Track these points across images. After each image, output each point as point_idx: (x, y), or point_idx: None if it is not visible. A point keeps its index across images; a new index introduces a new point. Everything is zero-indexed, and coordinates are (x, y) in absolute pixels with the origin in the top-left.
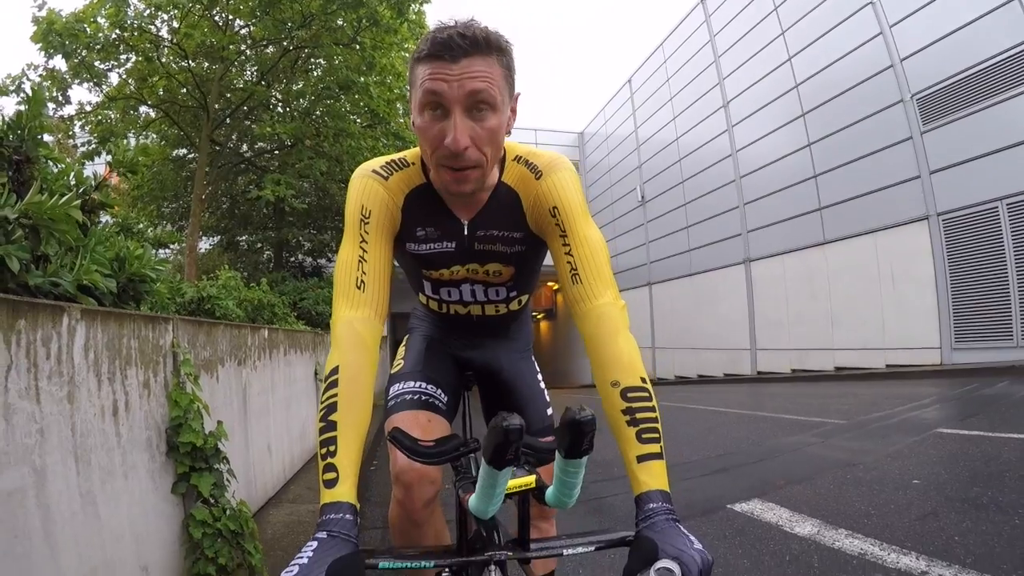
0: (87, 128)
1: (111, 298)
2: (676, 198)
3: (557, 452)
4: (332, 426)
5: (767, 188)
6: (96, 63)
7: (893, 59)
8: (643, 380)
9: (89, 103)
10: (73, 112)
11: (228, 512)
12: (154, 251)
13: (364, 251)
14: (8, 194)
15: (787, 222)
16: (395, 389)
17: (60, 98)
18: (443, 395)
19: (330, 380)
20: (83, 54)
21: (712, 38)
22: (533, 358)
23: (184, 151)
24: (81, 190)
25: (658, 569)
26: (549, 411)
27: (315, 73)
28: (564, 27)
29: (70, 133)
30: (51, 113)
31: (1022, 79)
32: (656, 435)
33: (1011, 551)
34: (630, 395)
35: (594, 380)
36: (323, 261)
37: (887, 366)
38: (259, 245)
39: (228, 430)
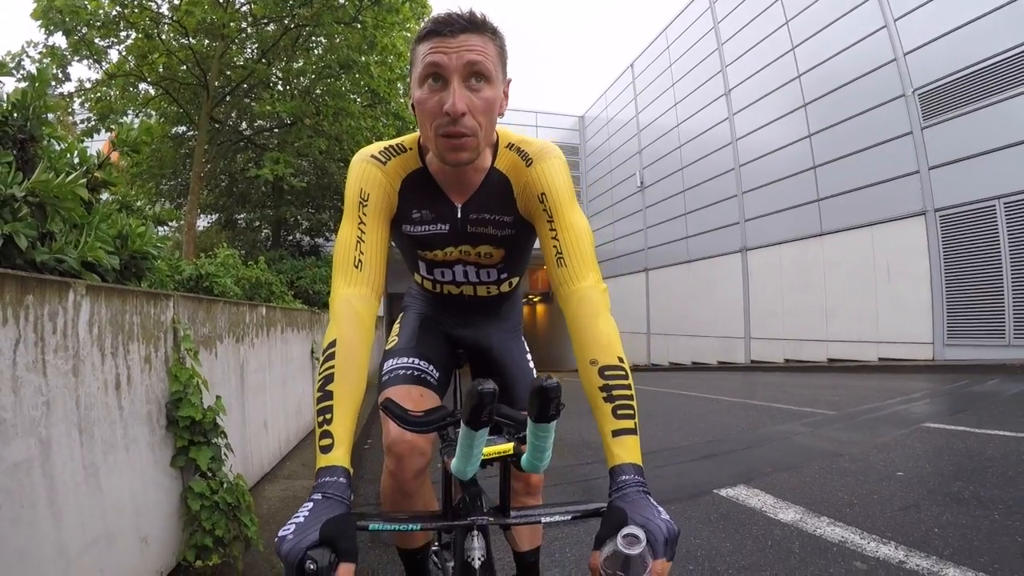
0: (87, 105)
1: (114, 275)
2: (675, 184)
3: (528, 418)
4: (328, 395)
5: (766, 177)
6: (96, 40)
7: (896, 53)
8: (620, 360)
9: (89, 80)
10: (73, 89)
11: (225, 485)
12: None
13: (362, 232)
14: (14, 172)
15: (785, 212)
16: (389, 364)
17: (60, 75)
18: (435, 371)
19: (328, 353)
20: (83, 31)
21: (716, 25)
22: (523, 337)
23: (183, 128)
24: (84, 168)
25: (625, 535)
26: None
27: (316, 52)
28: (566, 10)
29: (69, 110)
30: (52, 91)
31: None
32: (631, 411)
33: (989, 545)
34: (607, 373)
35: (575, 358)
36: (321, 240)
37: (880, 359)
38: (257, 223)
39: (226, 406)
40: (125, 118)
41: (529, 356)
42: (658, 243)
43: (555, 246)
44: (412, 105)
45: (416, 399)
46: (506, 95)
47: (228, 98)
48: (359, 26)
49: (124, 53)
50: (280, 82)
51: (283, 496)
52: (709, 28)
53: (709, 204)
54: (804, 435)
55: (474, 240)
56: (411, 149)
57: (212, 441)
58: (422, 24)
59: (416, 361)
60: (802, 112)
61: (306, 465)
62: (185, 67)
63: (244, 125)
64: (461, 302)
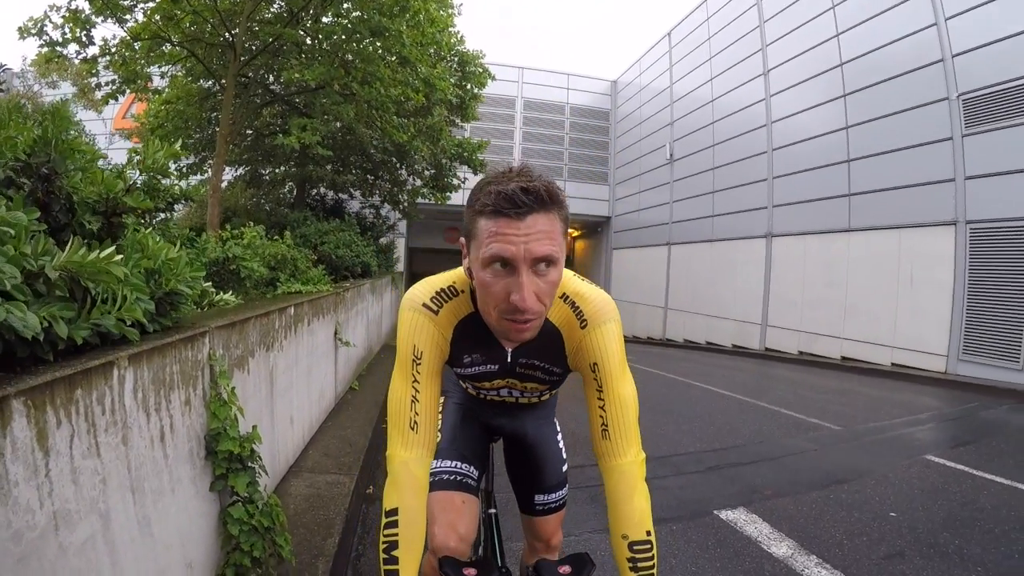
0: (111, 68)
1: (149, 315)
2: (705, 161)
3: None
4: (394, 560)
5: (798, 165)
6: None
7: (944, 54)
8: (648, 533)
9: (114, 36)
10: (96, 52)
11: (261, 507)
12: (182, 183)
13: (416, 391)
14: (44, 241)
15: (814, 203)
16: (435, 465)
17: (84, 38)
18: (474, 471)
19: (391, 520)
20: None
21: (758, 1)
22: (556, 420)
23: (210, 83)
24: (111, 195)
25: None
26: (564, 468)
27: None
28: None
29: (94, 71)
30: (74, 56)
31: None
32: None
33: None
34: (636, 547)
35: (609, 528)
36: (344, 196)
37: (892, 364)
38: (282, 178)
39: (256, 414)
40: (151, 78)
41: (560, 438)
42: (683, 218)
43: (601, 417)
44: (468, 270)
45: (459, 507)
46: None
47: (257, 57)
48: None
49: (148, 13)
50: (308, 38)
51: (308, 494)
52: (752, 3)
53: (738, 185)
54: (808, 455)
55: (522, 378)
56: (463, 292)
57: (248, 466)
58: (478, 192)
59: (458, 465)
60: (841, 102)
61: (327, 455)
62: (211, 26)
63: (272, 80)
64: (503, 403)
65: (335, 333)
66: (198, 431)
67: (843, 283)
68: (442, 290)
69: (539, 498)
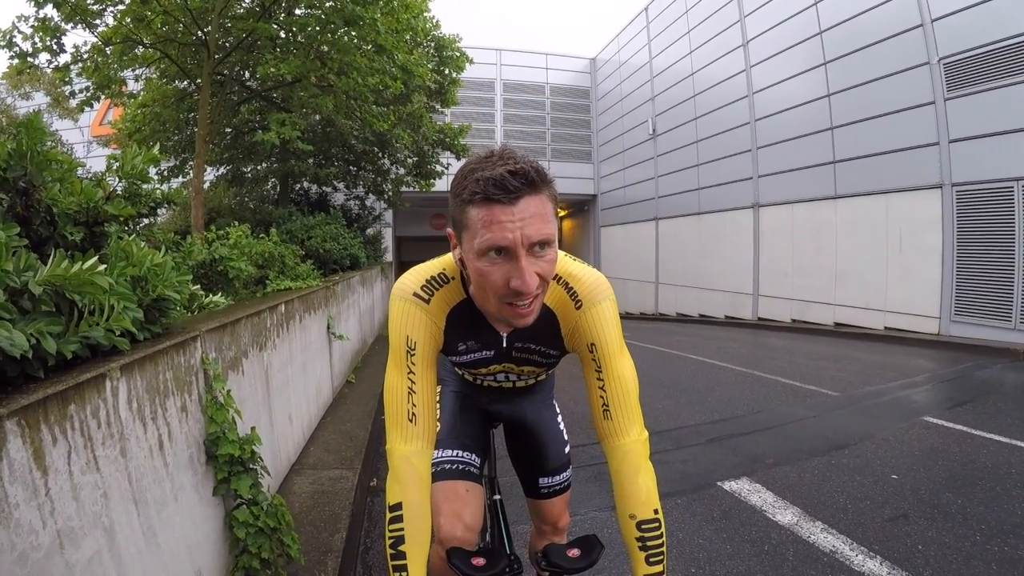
0: (83, 74)
1: (138, 323)
2: (688, 134)
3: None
4: (402, 555)
5: (782, 134)
6: (89, 3)
7: (924, 18)
8: (655, 512)
9: (85, 43)
10: (68, 59)
11: (266, 508)
12: (164, 187)
13: (412, 382)
14: (26, 256)
15: (799, 171)
16: (435, 456)
17: (54, 47)
18: (476, 458)
19: (395, 515)
20: None
21: None
22: (555, 402)
23: (185, 84)
24: (91, 204)
25: None
26: (567, 449)
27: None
28: None
29: (67, 79)
30: (46, 66)
31: None
32: (661, 557)
33: (965, 569)
34: (644, 527)
35: (615, 508)
36: (328, 190)
37: (885, 328)
38: (264, 175)
39: (254, 415)
40: (125, 82)
41: (560, 419)
42: (669, 193)
43: (602, 397)
44: (460, 261)
45: (463, 495)
46: None
47: (231, 55)
48: None
49: (119, 16)
50: (282, 32)
51: (312, 491)
52: None
53: (722, 157)
54: (807, 421)
55: (518, 362)
56: (454, 279)
57: (249, 467)
58: (463, 179)
59: (459, 454)
60: (822, 70)
61: (329, 451)
62: (182, 25)
63: (247, 76)
64: (500, 389)
65: (328, 327)
66: (197, 437)
67: (832, 250)
68: (432, 278)
69: (543, 481)
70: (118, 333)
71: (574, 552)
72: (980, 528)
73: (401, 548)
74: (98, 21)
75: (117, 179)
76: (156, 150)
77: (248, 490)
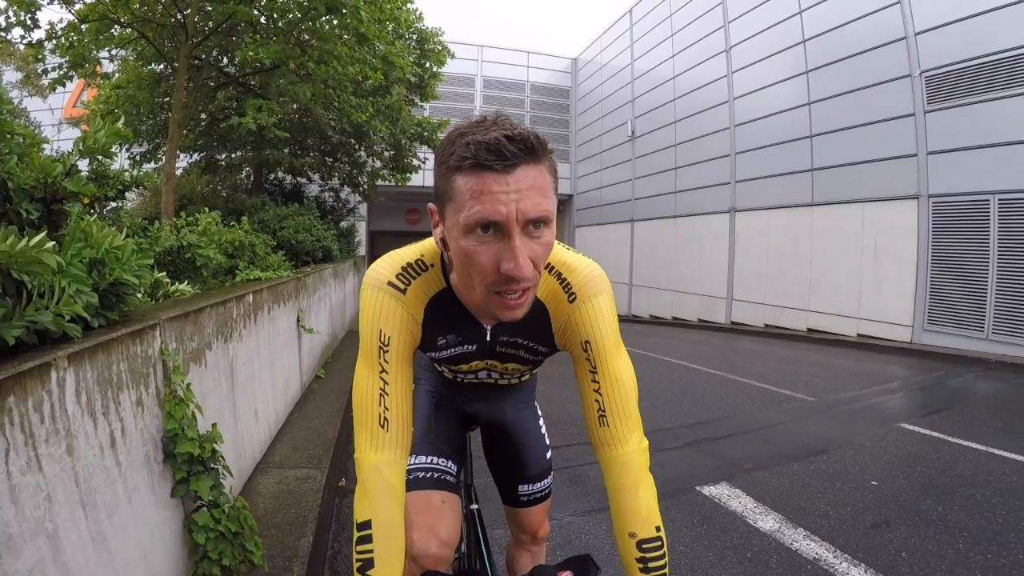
0: (57, 52)
1: (93, 309)
2: (667, 138)
3: None
4: None
5: (761, 141)
6: None
7: (907, 31)
8: (657, 529)
9: (61, 21)
10: (43, 36)
11: (227, 511)
12: (134, 188)
13: (385, 382)
14: None
15: (777, 178)
16: (408, 463)
17: (28, 22)
18: (453, 465)
19: (363, 534)
20: None
21: None
22: (536, 403)
23: (161, 67)
24: (50, 180)
25: None
26: (548, 454)
27: None
28: None
29: (40, 57)
30: (19, 40)
31: None
32: None
33: None
34: (645, 546)
35: (613, 526)
36: (303, 180)
37: (858, 335)
38: (238, 163)
39: (217, 411)
40: (99, 62)
41: (542, 422)
42: (646, 195)
43: (597, 401)
44: (441, 240)
45: (438, 507)
46: None
47: (209, 38)
48: None
49: None
50: (263, 17)
51: (278, 491)
52: None
53: (700, 161)
54: (784, 426)
55: (502, 358)
56: (433, 266)
57: (210, 467)
58: (450, 144)
59: (435, 460)
60: (804, 79)
61: (296, 448)
62: (162, 5)
63: (225, 62)
64: (479, 386)
65: (298, 320)
66: (153, 433)
67: (807, 257)
68: (409, 265)
69: (523, 488)
70: (68, 318)
71: (566, 574)
72: (962, 536)
73: (369, 573)
74: (73, 3)
75: (78, 154)
76: (120, 123)
77: (208, 491)
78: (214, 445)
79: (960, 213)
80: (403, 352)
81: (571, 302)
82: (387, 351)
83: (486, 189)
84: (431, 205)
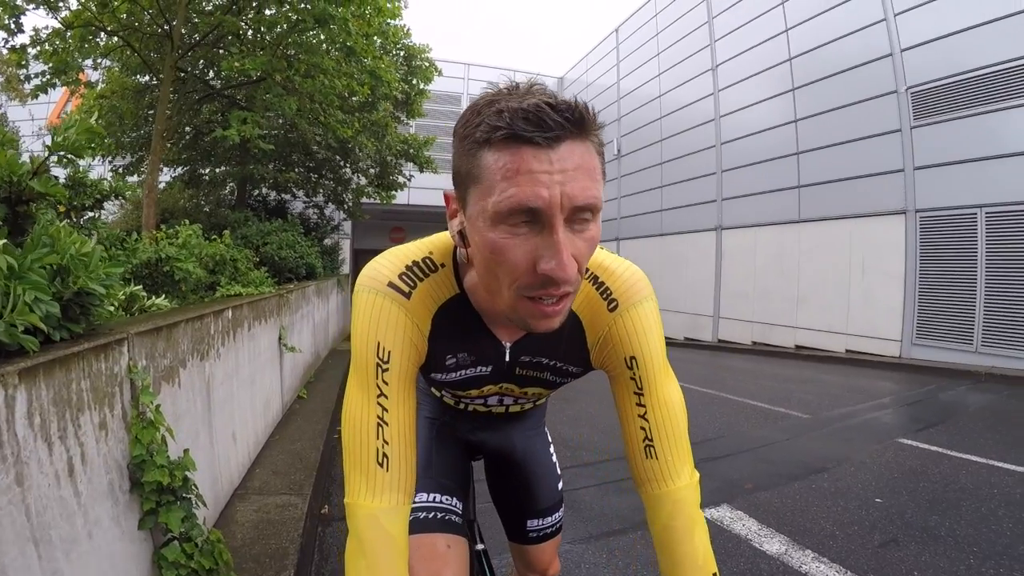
0: (41, 58)
1: (55, 320)
2: (653, 156)
3: None
4: None
5: (747, 158)
6: None
7: (893, 48)
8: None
9: (46, 27)
10: (27, 41)
11: (201, 546)
12: (113, 198)
13: (384, 409)
14: None
15: (764, 195)
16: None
17: (12, 26)
18: (457, 503)
19: None
20: None
21: None
22: (546, 429)
23: (147, 78)
24: (15, 179)
25: None
26: (559, 485)
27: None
28: None
29: (23, 63)
30: (1, 44)
31: (1021, 92)
32: None
33: None
34: None
35: (661, 573)
36: (287, 197)
37: (847, 351)
38: (222, 178)
39: (191, 434)
40: (83, 69)
41: (552, 450)
42: (632, 213)
43: (643, 428)
44: (460, 232)
45: (443, 554)
46: None
47: (195, 48)
48: None
49: (83, 0)
50: (250, 30)
51: (256, 520)
52: (700, 0)
53: (687, 179)
54: (781, 444)
55: (522, 382)
56: (443, 266)
57: (182, 496)
58: (476, 113)
59: (437, 498)
60: (790, 96)
61: (276, 473)
62: (148, 15)
63: (211, 75)
64: (487, 415)
65: (279, 338)
66: (118, 459)
67: (795, 273)
68: (415, 263)
69: (532, 524)
70: (22, 329)
71: None
72: (972, 551)
73: None
74: (61, 4)
75: (47, 151)
76: (93, 120)
77: (179, 524)
78: (186, 473)
79: (947, 227)
80: (406, 371)
81: (612, 310)
82: (387, 370)
83: (524, 167)
84: (447, 191)
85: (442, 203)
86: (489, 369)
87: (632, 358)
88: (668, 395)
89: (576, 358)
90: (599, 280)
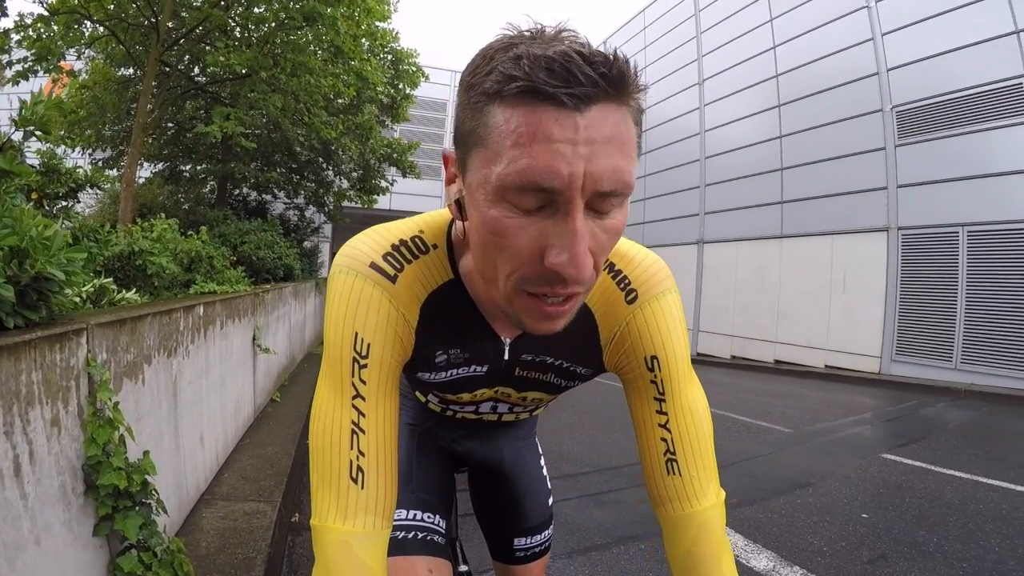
0: (24, 44)
1: (9, 306)
2: (636, 169)
3: None
4: None
5: (731, 173)
6: None
7: (880, 67)
8: None
9: (30, 14)
10: (11, 25)
11: (160, 556)
12: (87, 187)
13: (361, 414)
14: None
15: (747, 210)
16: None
17: None
18: (440, 521)
19: None
20: None
21: (696, 13)
22: (536, 439)
23: (131, 71)
24: None
25: None
26: (550, 500)
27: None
28: None
29: (5, 48)
30: None
31: (1002, 113)
32: None
33: None
34: None
35: None
36: (268, 197)
37: (826, 366)
38: (203, 176)
39: (155, 435)
40: (65, 59)
41: (542, 462)
42: None
43: (665, 440)
44: (456, 202)
45: None
46: None
47: (181, 42)
48: None
49: None
50: (238, 28)
51: (222, 527)
52: (689, 15)
53: (670, 192)
54: (765, 459)
55: (521, 385)
56: (436, 247)
57: (140, 501)
58: (488, 58)
59: (418, 516)
60: (775, 112)
61: (245, 479)
62: (136, 6)
63: (196, 71)
64: (477, 423)
65: (254, 339)
66: (72, 459)
67: (776, 289)
68: (403, 243)
69: (520, 542)
70: None
71: None
72: (962, 567)
73: None
74: None
75: (13, 127)
76: (90, 135)
77: (136, 532)
78: (146, 476)
79: (929, 245)
80: (388, 368)
81: (630, 302)
82: (365, 366)
83: (541, 132)
84: (446, 151)
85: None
86: (485, 369)
87: (653, 358)
88: (693, 401)
89: (586, 357)
90: (616, 268)
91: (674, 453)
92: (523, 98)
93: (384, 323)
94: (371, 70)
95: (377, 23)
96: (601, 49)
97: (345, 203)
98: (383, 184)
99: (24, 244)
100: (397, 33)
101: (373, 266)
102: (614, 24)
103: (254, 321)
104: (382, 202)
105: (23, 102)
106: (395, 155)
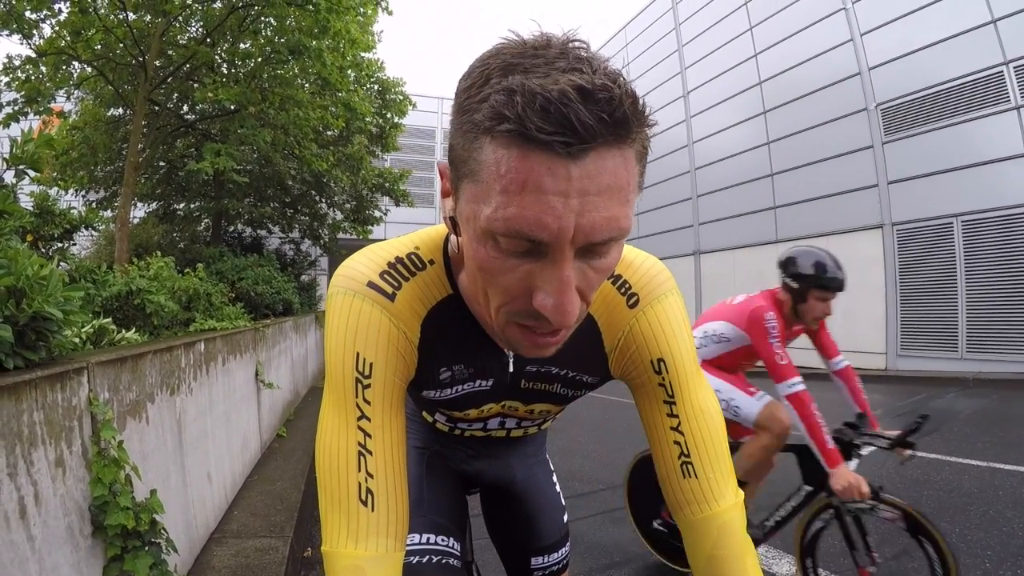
0: (13, 86)
1: (8, 347)
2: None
3: None
4: None
5: (722, 182)
6: (27, 12)
7: (861, 67)
8: None
9: (18, 56)
10: (0, 68)
11: None
12: (82, 228)
13: (367, 435)
14: None
15: (740, 218)
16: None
17: None
18: (455, 544)
19: None
20: (12, 1)
21: (677, 27)
22: (547, 456)
23: (120, 111)
24: None
25: None
26: (564, 517)
27: (264, 33)
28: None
29: None
30: None
31: (986, 102)
32: None
33: None
34: None
35: None
36: (263, 232)
37: None
38: (197, 213)
39: (162, 473)
40: (55, 101)
41: (555, 478)
42: None
43: (678, 443)
44: (451, 219)
45: None
46: None
47: (169, 80)
48: (311, 8)
49: (57, 28)
50: (224, 63)
51: (235, 566)
52: (670, 29)
53: (662, 205)
54: (778, 459)
55: (528, 397)
56: (433, 263)
57: (151, 541)
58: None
59: (432, 540)
60: (761, 119)
61: (255, 515)
62: (123, 45)
63: (185, 108)
64: (486, 440)
65: (256, 374)
66: (79, 500)
67: None
68: (399, 260)
69: (537, 561)
70: None
71: None
72: (986, 555)
73: None
74: (34, 32)
75: (5, 167)
76: (82, 176)
77: (147, 571)
78: (154, 515)
79: (925, 238)
80: (392, 387)
81: (632, 307)
82: (368, 386)
83: (531, 182)
84: (441, 163)
85: None
86: (490, 383)
87: (660, 360)
88: (704, 401)
89: (591, 365)
90: (615, 273)
91: (689, 456)
92: (516, 142)
93: (385, 341)
94: (359, 100)
95: (362, 54)
96: (608, 79)
97: (340, 235)
98: (376, 214)
99: (20, 284)
100: (382, 63)
101: (371, 285)
102: (597, 41)
103: (256, 356)
104: (377, 232)
105: (13, 140)
106: (387, 184)
